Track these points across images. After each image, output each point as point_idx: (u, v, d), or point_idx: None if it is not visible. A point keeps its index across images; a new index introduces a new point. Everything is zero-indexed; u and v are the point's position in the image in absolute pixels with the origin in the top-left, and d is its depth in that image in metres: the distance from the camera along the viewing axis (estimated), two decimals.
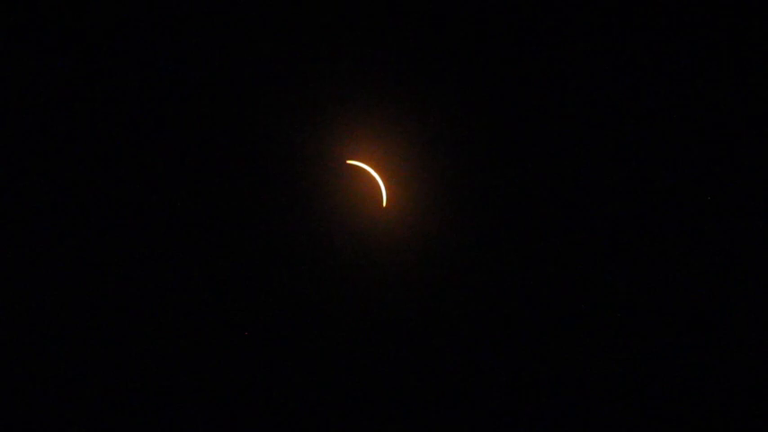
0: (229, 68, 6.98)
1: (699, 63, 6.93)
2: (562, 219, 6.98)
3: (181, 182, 6.95)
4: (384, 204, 7.04)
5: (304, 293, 7.02)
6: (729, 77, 6.90)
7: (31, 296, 6.84)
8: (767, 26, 6.85)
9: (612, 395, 6.90)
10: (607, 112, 6.98)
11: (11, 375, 6.78)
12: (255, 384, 6.93)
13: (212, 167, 6.97)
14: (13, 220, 6.84)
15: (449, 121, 7.00)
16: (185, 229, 6.95)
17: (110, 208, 6.91)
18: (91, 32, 6.89)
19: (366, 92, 6.99)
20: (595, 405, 6.90)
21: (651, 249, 6.96)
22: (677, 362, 6.87)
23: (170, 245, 6.94)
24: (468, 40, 7.00)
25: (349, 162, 7.03)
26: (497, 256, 6.99)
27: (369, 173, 7.03)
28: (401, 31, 6.99)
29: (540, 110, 6.99)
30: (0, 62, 6.79)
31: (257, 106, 7.00)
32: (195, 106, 6.96)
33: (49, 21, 6.86)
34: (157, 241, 6.92)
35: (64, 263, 6.87)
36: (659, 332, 6.91)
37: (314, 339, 7.01)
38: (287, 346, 6.99)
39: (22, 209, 6.84)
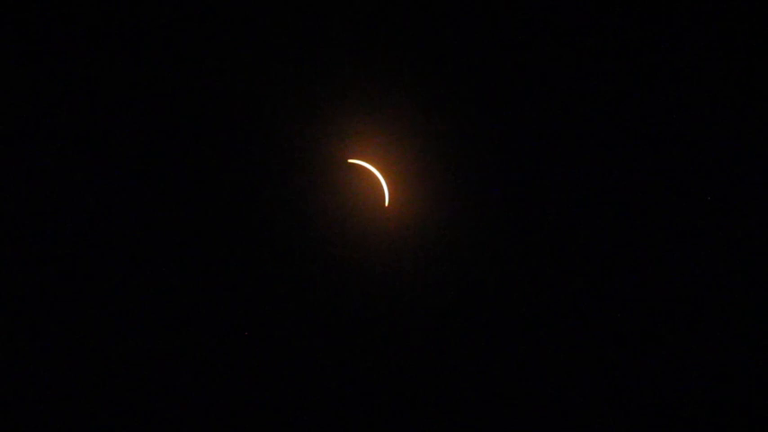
0: (230, 68, 6.95)
1: (699, 63, 6.97)
2: (565, 218, 6.99)
3: (181, 182, 6.92)
4: (386, 203, 7.02)
5: (304, 293, 6.99)
6: (729, 77, 6.95)
7: (31, 296, 6.79)
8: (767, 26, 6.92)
9: (612, 395, 6.91)
10: (608, 112, 7.00)
11: (11, 375, 6.72)
12: (256, 384, 6.90)
13: (213, 167, 6.94)
14: (13, 221, 6.79)
15: (451, 120, 7.00)
16: (185, 229, 6.92)
17: (110, 207, 6.87)
18: (91, 32, 6.86)
19: (368, 90, 6.98)
20: (595, 405, 6.91)
21: (651, 249, 6.99)
22: (677, 362, 6.90)
23: (170, 245, 6.90)
24: (470, 38, 7.00)
25: (350, 161, 7.01)
26: (499, 256, 6.99)
27: (371, 172, 7.01)
28: (403, 30, 6.98)
29: (542, 109, 7.00)
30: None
31: (258, 106, 6.97)
32: (195, 106, 6.93)
33: (49, 20, 6.81)
34: (158, 242, 6.89)
35: (63, 262, 6.83)
36: (659, 332, 6.94)
37: (314, 339, 6.98)
38: (287, 346, 6.96)
39: (22, 209, 6.79)
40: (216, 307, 6.92)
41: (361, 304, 7.00)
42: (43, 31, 6.85)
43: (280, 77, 6.98)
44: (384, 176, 7.01)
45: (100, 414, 6.77)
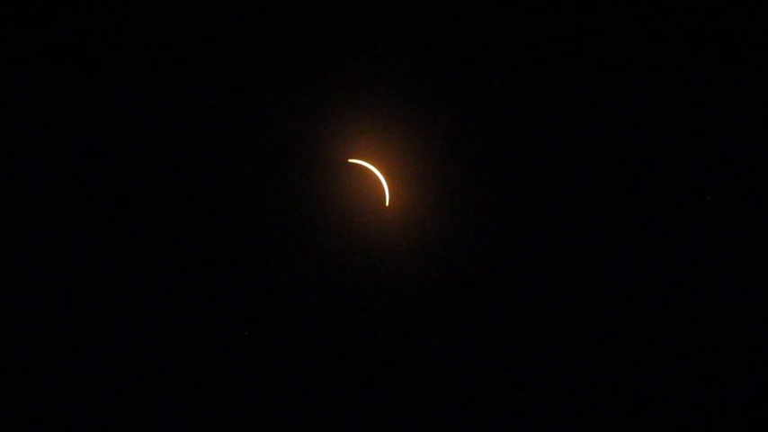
0: (231, 68, 6.95)
1: (699, 63, 6.99)
2: (565, 218, 7.00)
3: (181, 182, 6.90)
4: (387, 203, 7.01)
5: (304, 293, 6.98)
6: (729, 77, 6.97)
7: (31, 296, 6.79)
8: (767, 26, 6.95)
9: (612, 395, 6.92)
10: (610, 113, 7.01)
11: (10, 375, 6.71)
12: (256, 384, 6.88)
13: (214, 167, 6.93)
14: (14, 221, 6.78)
15: (452, 120, 6.99)
16: (186, 229, 6.91)
17: (110, 207, 6.86)
18: (91, 32, 6.84)
19: (368, 90, 6.97)
20: (595, 405, 6.91)
21: (651, 249, 7.00)
22: (677, 362, 6.90)
23: (171, 245, 6.89)
24: (471, 37, 7.00)
25: (351, 161, 7.00)
26: (500, 256, 6.99)
27: (371, 171, 7.00)
28: (405, 30, 6.98)
29: (543, 109, 7.01)
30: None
31: (258, 106, 6.96)
32: (197, 106, 6.92)
33: (49, 20, 6.80)
34: (158, 242, 6.88)
35: (63, 262, 6.83)
36: (659, 332, 6.94)
37: (314, 339, 6.97)
38: (287, 346, 6.94)
39: (22, 209, 6.78)
40: (216, 307, 6.90)
41: (362, 304, 6.99)
42: (43, 31, 6.84)
43: (280, 78, 6.97)
44: (384, 176, 7.00)
45: (100, 414, 6.76)
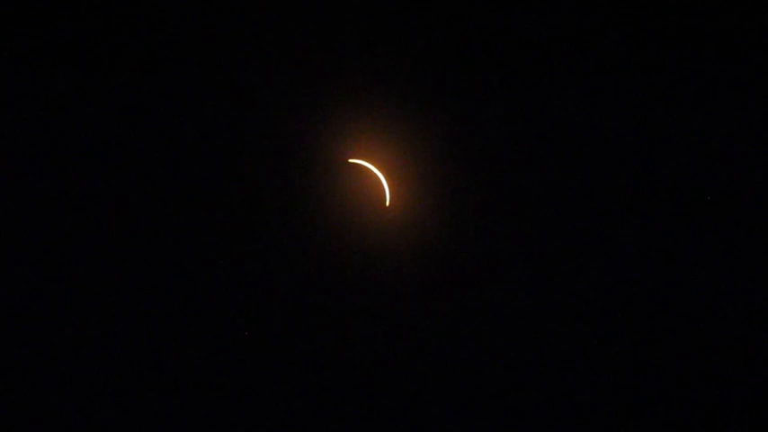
0: (231, 68, 6.94)
1: (699, 63, 6.99)
2: (565, 218, 7.00)
3: (182, 182, 6.90)
4: (387, 203, 7.01)
5: (305, 293, 6.98)
6: (729, 77, 6.97)
7: (31, 296, 6.79)
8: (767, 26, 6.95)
9: (612, 395, 6.92)
10: (610, 112, 7.01)
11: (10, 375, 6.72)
12: (256, 384, 6.88)
13: (214, 167, 6.93)
14: (14, 221, 6.78)
15: (452, 120, 6.99)
16: (186, 229, 6.90)
17: (110, 207, 6.86)
18: (91, 32, 6.84)
19: (368, 89, 6.97)
20: (595, 405, 6.91)
21: (651, 249, 7.00)
22: (677, 362, 6.90)
23: (171, 245, 6.88)
24: (471, 37, 7.00)
25: (351, 161, 7.00)
26: (500, 256, 6.99)
27: (371, 171, 7.00)
28: (405, 30, 6.98)
29: (543, 109, 7.01)
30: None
31: (258, 106, 6.96)
32: (197, 106, 6.92)
33: (49, 20, 6.80)
34: (158, 242, 6.87)
35: (63, 262, 6.83)
36: (659, 332, 6.94)
37: (314, 339, 6.96)
38: (287, 346, 6.94)
39: (22, 209, 6.78)
40: (216, 307, 6.90)
41: (362, 304, 6.99)
42: (43, 31, 6.84)
43: (280, 78, 6.97)
44: (385, 176, 7.00)
45: (100, 414, 6.76)
